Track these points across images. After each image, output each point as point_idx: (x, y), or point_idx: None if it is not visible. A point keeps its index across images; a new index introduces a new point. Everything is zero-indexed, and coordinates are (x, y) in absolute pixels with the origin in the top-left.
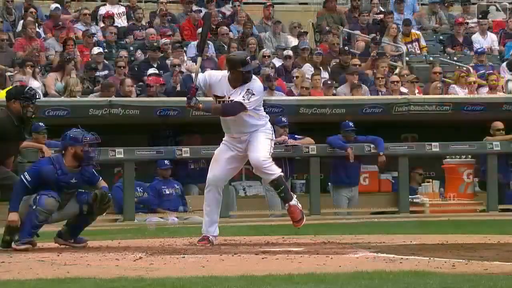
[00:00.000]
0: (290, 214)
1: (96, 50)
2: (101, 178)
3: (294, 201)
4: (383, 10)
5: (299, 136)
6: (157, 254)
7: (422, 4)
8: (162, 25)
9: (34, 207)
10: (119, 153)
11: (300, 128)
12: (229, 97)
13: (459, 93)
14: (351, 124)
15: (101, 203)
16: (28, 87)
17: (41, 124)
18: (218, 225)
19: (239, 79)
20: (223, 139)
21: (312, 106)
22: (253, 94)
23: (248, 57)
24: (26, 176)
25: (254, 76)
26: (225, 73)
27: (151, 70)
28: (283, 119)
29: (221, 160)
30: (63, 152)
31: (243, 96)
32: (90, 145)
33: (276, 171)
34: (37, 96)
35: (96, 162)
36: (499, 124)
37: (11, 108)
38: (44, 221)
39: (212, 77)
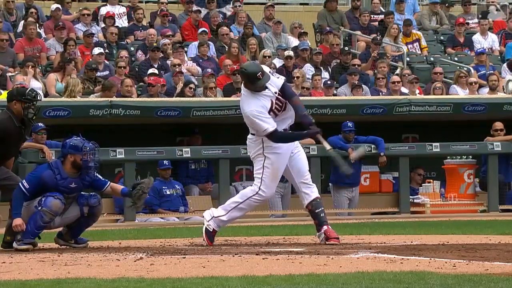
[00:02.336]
0: (328, 234)
1: (97, 50)
2: (109, 182)
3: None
4: (383, 10)
5: None
6: (157, 254)
7: (422, 5)
8: (162, 25)
9: (39, 207)
10: (119, 153)
11: (300, 128)
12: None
13: (460, 93)
14: (350, 124)
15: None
16: (29, 89)
17: (40, 124)
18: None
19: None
20: (278, 151)
21: (312, 106)
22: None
23: (259, 73)
24: (25, 184)
25: (270, 75)
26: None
27: (151, 70)
28: None
29: (280, 176)
30: (63, 159)
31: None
32: (90, 154)
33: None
34: (38, 98)
35: (95, 169)
36: (499, 125)
37: (12, 109)
38: (48, 222)
39: (260, 107)
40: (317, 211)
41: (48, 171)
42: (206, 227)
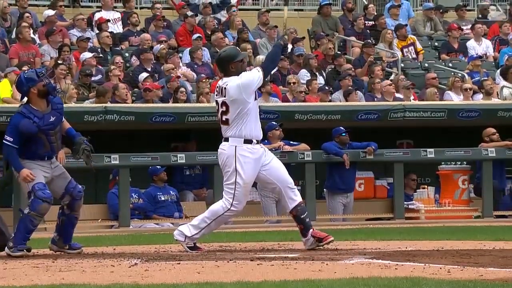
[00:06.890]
0: (318, 235)
1: (89, 54)
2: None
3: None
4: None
5: (294, 142)
6: (152, 260)
7: (417, 11)
8: (157, 30)
9: (27, 211)
10: (114, 159)
11: (295, 134)
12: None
13: (454, 99)
14: (342, 128)
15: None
16: None
17: None
18: (214, 231)
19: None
20: (250, 155)
21: (307, 112)
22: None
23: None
24: (8, 138)
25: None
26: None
27: (143, 75)
28: (273, 122)
29: (250, 187)
30: (28, 97)
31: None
32: (47, 77)
33: None
34: None
35: (58, 88)
36: (491, 130)
37: None
38: (37, 225)
39: None
40: (302, 216)
41: (23, 120)
42: (187, 247)
